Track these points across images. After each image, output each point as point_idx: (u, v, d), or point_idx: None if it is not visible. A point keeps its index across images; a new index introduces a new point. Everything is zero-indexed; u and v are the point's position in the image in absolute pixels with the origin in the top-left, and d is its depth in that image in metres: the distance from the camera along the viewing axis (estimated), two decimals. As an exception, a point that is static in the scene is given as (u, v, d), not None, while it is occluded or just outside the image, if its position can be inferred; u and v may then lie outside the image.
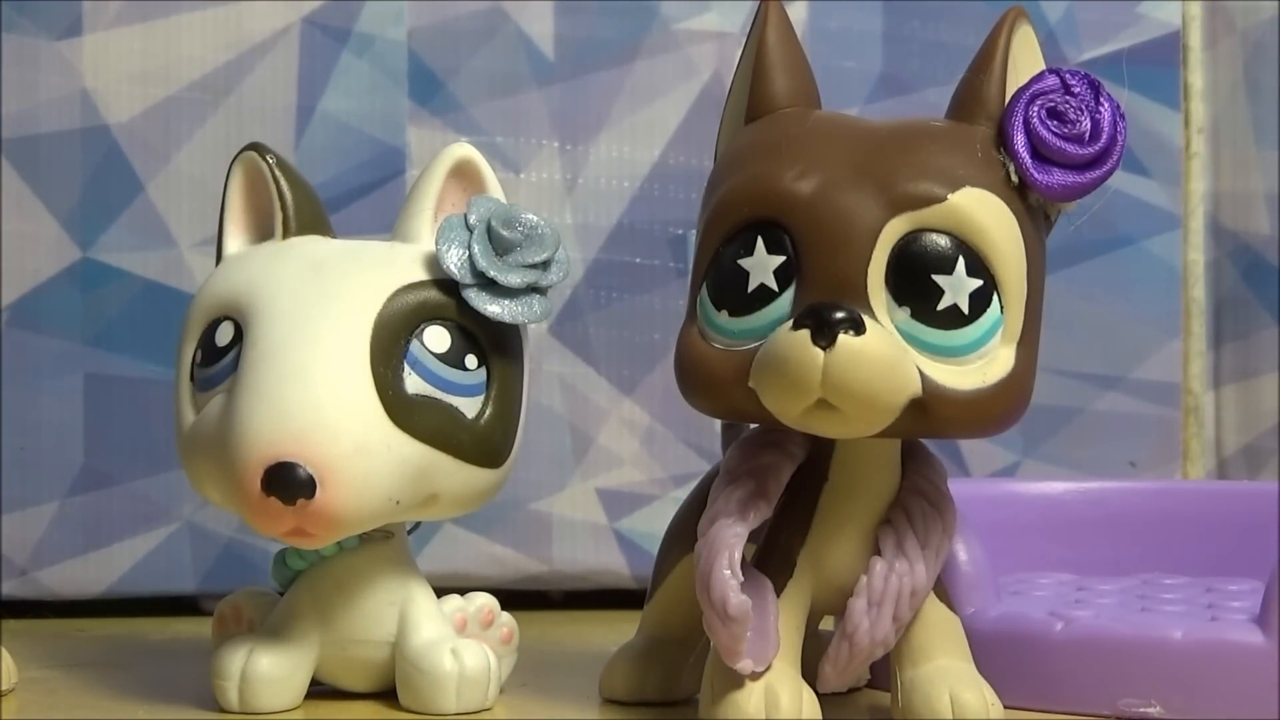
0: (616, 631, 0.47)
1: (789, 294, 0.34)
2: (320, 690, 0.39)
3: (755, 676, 0.34)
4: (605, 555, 0.54)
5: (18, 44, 0.51)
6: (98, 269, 0.52)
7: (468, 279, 0.37)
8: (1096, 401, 0.56)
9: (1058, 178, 0.35)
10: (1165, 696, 0.37)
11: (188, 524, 0.52)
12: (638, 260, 0.54)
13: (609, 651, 0.45)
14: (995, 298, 0.34)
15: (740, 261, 0.34)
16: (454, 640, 0.38)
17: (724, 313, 0.35)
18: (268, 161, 0.39)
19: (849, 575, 0.35)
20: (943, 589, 0.37)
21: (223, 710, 0.38)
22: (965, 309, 0.34)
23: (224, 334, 0.37)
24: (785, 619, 0.35)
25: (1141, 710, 0.37)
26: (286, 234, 0.39)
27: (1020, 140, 0.35)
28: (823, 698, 0.36)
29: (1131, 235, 0.57)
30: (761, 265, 0.34)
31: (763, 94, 0.36)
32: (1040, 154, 0.35)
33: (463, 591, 0.40)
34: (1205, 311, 0.58)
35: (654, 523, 0.54)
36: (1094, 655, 0.38)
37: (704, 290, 0.35)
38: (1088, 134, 0.35)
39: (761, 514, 0.35)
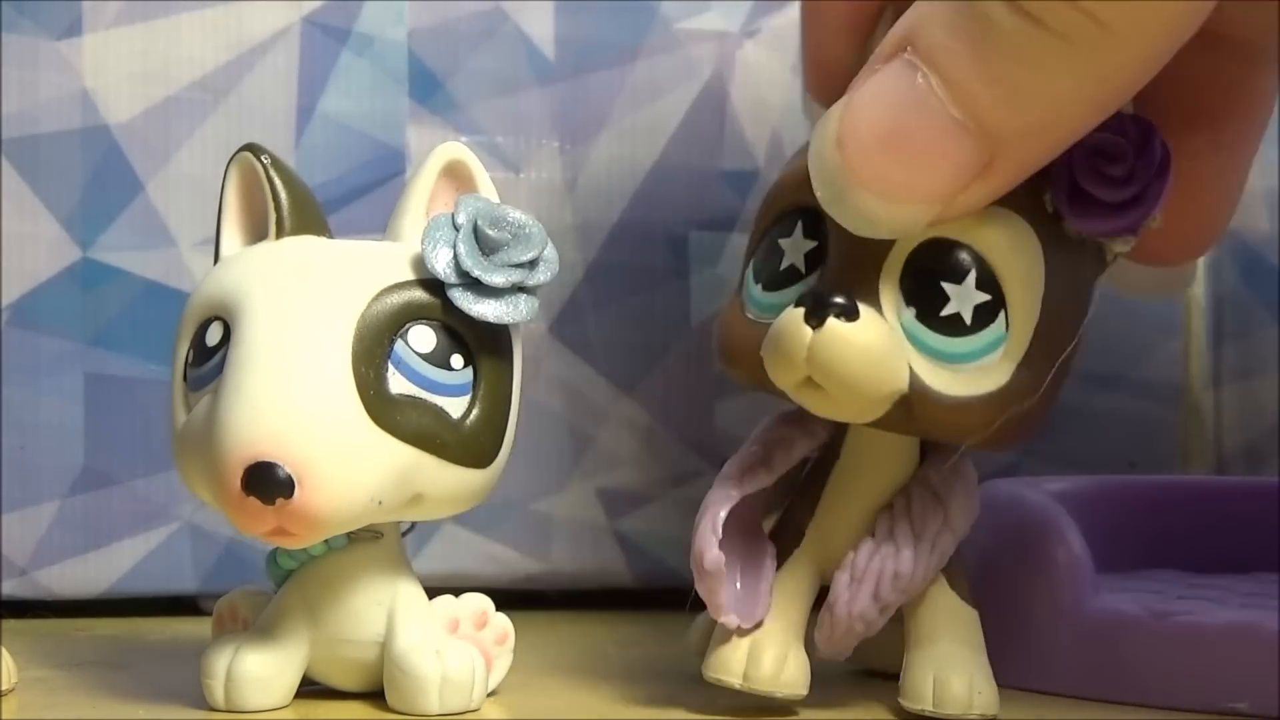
0: (616, 631, 0.47)
1: (813, 278, 0.36)
2: (312, 689, 0.39)
3: (743, 633, 0.36)
4: (605, 555, 0.54)
5: (18, 44, 0.51)
6: (98, 269, 0.52)
7: (453, 279, 0.37)
8: (1096, 401, 0.56)
9: (1094, 216, 0.36)
10: (1254, 692, 0.37)
11: (188, 524, 0.52)
12: (638, 260, 0.54)
13: (609, 651, 0.45)
14: (1003, 315, 0.35)
15: (780, 241, 0.36)
16: (439, 642, 0.38)
17: (759, 286, 0.36)
18: (262, 162, 0.39)
19: (844, 550, 0.37)
20: (959, 580, 0.37)
21: (212, 709, 0.38)
22: (968, 320, 0.35)
23: (213, 334, 0.37)
24: (789, 586, 0.37)
25: (1229, 706, 0.37)
26: (280, 234, 0.39)
27: (1060, 171, 0.35)
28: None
29: (1131, 235, 0.56)
30: (796, 247, 0.36)
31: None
32: (1078, 188, 0.35)
33: (460, 591, 0.40)
34: (1205, 310, 0.58)
35: (654, 523, 0.54)
36: (1183, 650, 0.38)
37: (750, 264, 0.37)
38: (1128, 176, 0.35)
39: (760, 481, 0.36)
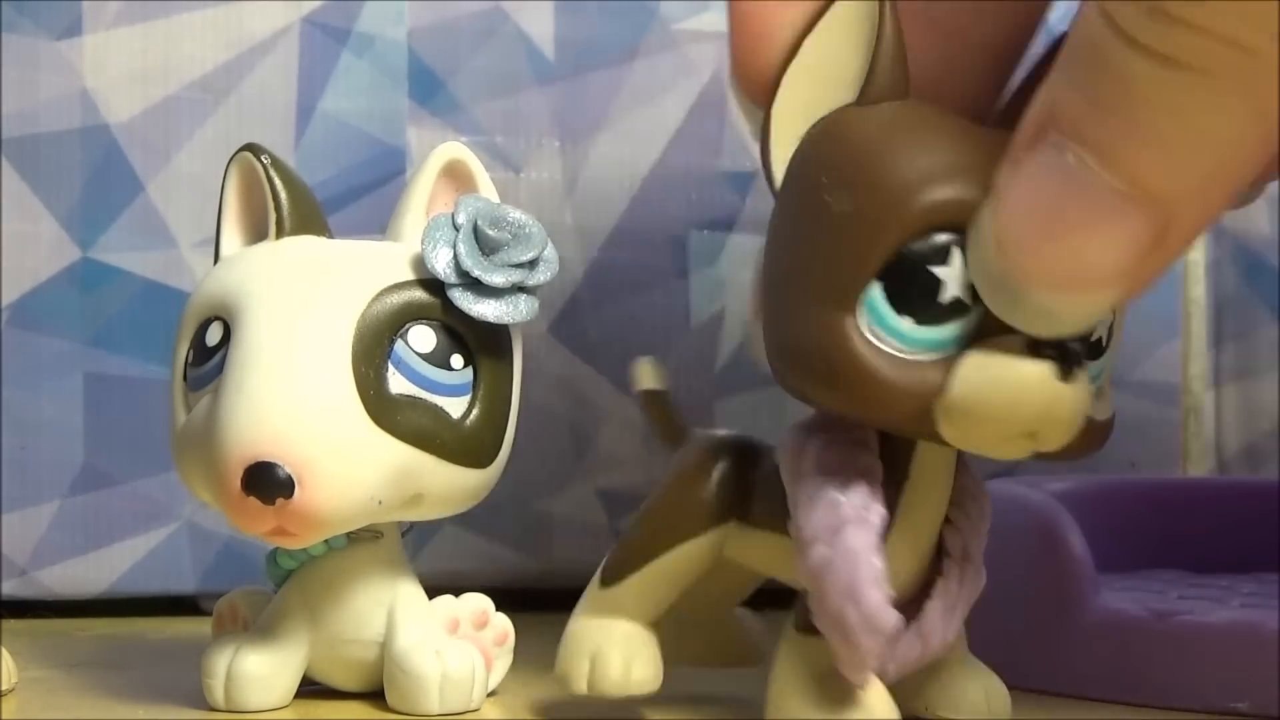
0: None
1: (979, 310, 0.32)
2: (312, 689, 0.39)
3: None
4: (605, 555, 0.54)
5: (18, 44, 0.52)
6: (98, 269, 0.52)
7: (453, 279, 0.37)
8: (1096, 401, 0.56)
9: None
10: (1254, 692, 0.37)
11: (188, 524, 0.52)
12: (638, 260, 0.54)
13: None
14: (1111, 330, 0.35)
15: (934, 269, 0.32)
16: (439, 642, 0.38)
17: (907, 319, 0.32)
18: (262, 162, 0.39)
19: (910, 573, 0.35)
20: None
21: (212, 709, 0.38)
22: (1105, 339, 0.34)
23: (213, 334, 0.37)
24: None
25: (1229, 706, 0.37)
26: (280, 234, 0.39)
27: None
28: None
29: (1131, 235, 0.57)
30: (958, 277, 0.32)
31: (884, 80, 0.34)
32: None
33: (460, 591, 0.40)
34: (1205, 311, 0.58)
35: (654, 523, 0.54)
36: (1183, 650, 0.38)
37: (876, 289, 0.32)
38: None
39: (883, 518, 0.34)
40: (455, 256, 0.37)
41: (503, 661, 0.40)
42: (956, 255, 0.32)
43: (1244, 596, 0.42)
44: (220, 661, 0.38)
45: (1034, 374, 0.31)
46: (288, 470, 0.35)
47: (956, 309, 0.32)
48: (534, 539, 0.53)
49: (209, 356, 0.37)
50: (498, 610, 0.40)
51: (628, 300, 0.54)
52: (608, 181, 0.54)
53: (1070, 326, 0.31)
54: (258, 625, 0.39)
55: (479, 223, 0.37)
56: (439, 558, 0.52)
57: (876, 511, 0.33)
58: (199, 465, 0.37)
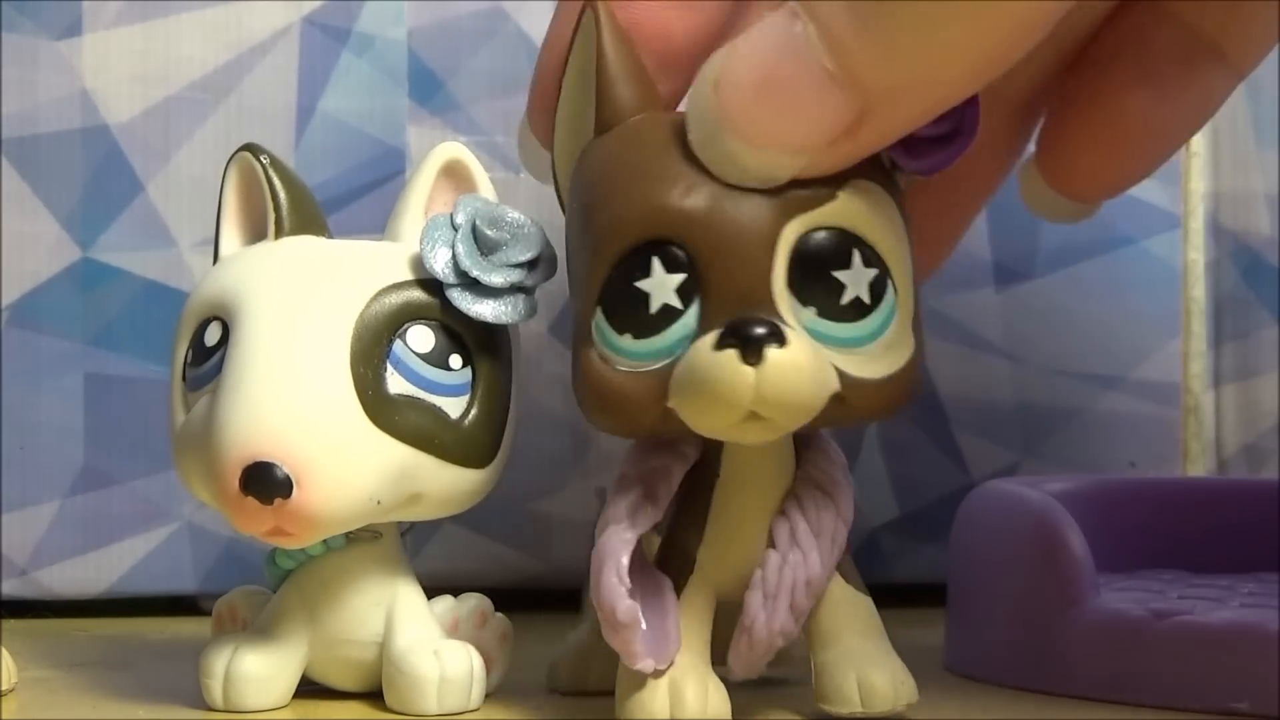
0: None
1: (694, 309, 0.34)
2: (311, 689, 0.39)
3: (658, 674, 0.35)
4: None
5: (18, 44, 0.52)
6: (98, 269, 0.52)
7: (452, 279, 0.37)
8: (1096, 401, 0.56)
9: (926, 155, 0.35)
10: (1254, 692, 0.37)
11: (188, 524, 0.52)
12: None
13: (609, 652, 0.45)
14: (889, 283, 0.35)
15: (638, 284, 0.34)
16: (437, 642, 0.38)
17: (627, 336, 0.34)
18: (261, 162, 0.39)
19: (749, 567, 0.36)
20: (849, 570, 0.37)
21: (210, 709, 0.38)
22: (867, 299, 0.34)
23: (212, 334, 0.37)
24: (690, 615, 0.36)
25: (1229, 706, 0.37)
26: (279, 234, 0.39)
27: None
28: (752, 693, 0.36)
29: (1131, 235, 0.56)
30: (661, 285, 0.34)
31: (612, 104, 0.36)
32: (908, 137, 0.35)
33: (460, 591, 0.40)
34: (1205, 311, 0.57)
35: (654, 523, 0.54)
36: (1183, 650, 0.38)
37: (599, 315, 0.35)
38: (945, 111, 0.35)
39: (649, 517, 0.35)
40: (454, 256, 0.37)
41: (503, 661, 0.40)
42: (656, 265, 0.34)
43: (1244, 596, 0.42)
44: (219, 662, 0.38)
45: (717, 360, 0.33)
46: (286, 470, 0.35)
47: (667, 315, 0.34)
48: (534, 539, 0.53)
49: (208, 356, 0.37)
50: (497, 610, 0.40)
51: (627, 300, 0.54)
52: (608, 181, 0.54)
53: (750, 178, 0.33)
54: (256, 625, 0.39)
55: (478, 223, 0.37)
56: (439, 558, 0.52)
57: (643, 512, 0.35)
58: (198, 465, 0.37)
